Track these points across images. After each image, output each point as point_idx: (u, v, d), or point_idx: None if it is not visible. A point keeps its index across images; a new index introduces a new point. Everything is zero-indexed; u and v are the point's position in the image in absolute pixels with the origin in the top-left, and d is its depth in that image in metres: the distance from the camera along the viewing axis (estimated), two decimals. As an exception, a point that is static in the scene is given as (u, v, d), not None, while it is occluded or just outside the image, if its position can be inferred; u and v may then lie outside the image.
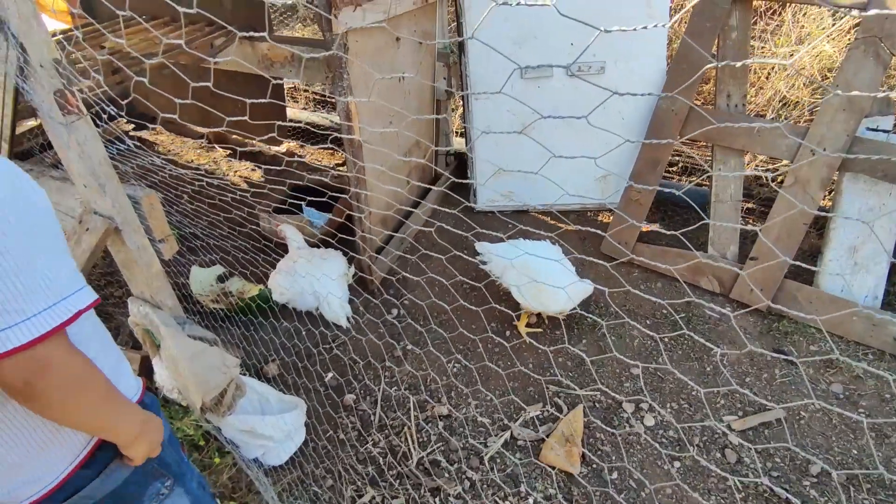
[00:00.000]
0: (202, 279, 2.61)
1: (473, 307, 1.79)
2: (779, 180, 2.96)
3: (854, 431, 2.00)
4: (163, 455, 1.00)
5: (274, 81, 2.82)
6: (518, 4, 0.65)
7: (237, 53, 2.95)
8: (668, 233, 1.03)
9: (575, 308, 2.24)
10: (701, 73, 2.69)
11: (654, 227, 3.05)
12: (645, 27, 0.70)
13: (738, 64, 0.76)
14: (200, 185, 2.62)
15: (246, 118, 1.62)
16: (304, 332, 2.40)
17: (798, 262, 0.90)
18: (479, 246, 2.53)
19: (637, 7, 2.74)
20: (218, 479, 1.82)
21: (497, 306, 1.84)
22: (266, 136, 3.77)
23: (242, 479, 1.83)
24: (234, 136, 3.93)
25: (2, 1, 1.26)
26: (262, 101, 1.39)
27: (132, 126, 4.23)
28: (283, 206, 3.09)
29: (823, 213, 1.07)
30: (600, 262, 1.38)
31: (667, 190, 1.42)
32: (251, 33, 1.21)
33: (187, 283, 2.59)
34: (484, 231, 1.65)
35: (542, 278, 2.14)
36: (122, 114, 1.64)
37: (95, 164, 1.42)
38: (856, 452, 1.95)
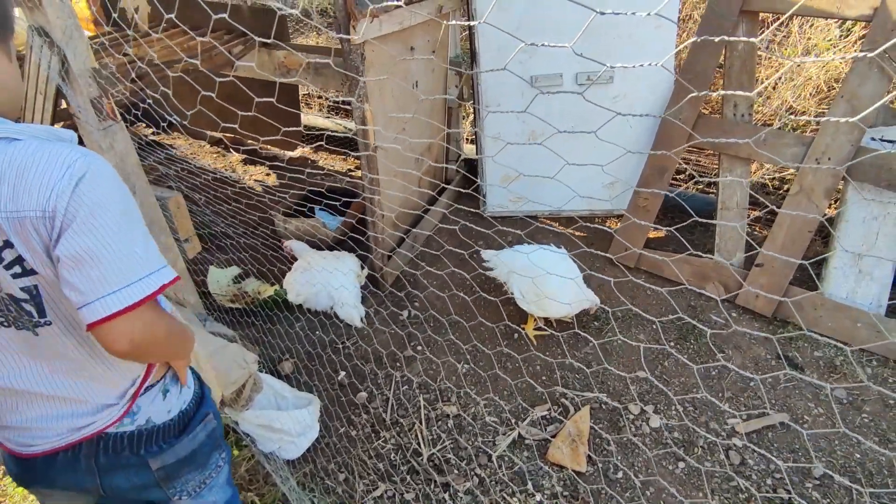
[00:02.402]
0: (219, 279, 2.69)
1: (482, 308, 1.85)
2: (784, 189, 3.00)
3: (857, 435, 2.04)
4: (218, 426, 1.11)
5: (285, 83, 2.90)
6: (543, 45, 0.72)
7: (255, 61, 3.05)
8: (668, 229, 1.08)
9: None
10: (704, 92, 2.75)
11: (661, 232, 3.10)
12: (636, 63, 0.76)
13: (700, 93, 0.81)
14: (218, 188, 2.70)
15: (261, 116, 1.69)
16: (318, 331, 2.47)
17: (804, 262, 0.96)
18: (485, 252, 2.60)
19: (646, 19, 2.80)
20: (236, 471, 1.88)
21: (505, 307, 1.90)
22: (280, 141, 3.86)
23: (259, 471, 1.90)
24: (250, 141, 4.02)
25: (46, 13, 1.34)
26: (278, 104, 1.46)
27: (151, 130, 4.34)
28: (298, 209, 3.17)
29: (831, 214, 1.12)
30: (607, 262, 1.44)
31: (673, 194, 1.47)
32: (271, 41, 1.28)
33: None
34: (492, 235, 1.71)
35: (545, 283, 2.20)
36: (185, 123, 1.74)
37: (129, 167, 1.50)
38: (859, 456, 1.98)
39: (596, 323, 2.57)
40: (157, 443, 0.98)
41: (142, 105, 1.69)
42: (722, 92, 0.99)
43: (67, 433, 0.91)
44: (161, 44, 2.79)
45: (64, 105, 1.77)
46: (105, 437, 0.94)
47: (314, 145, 4.15)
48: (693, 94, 1.08)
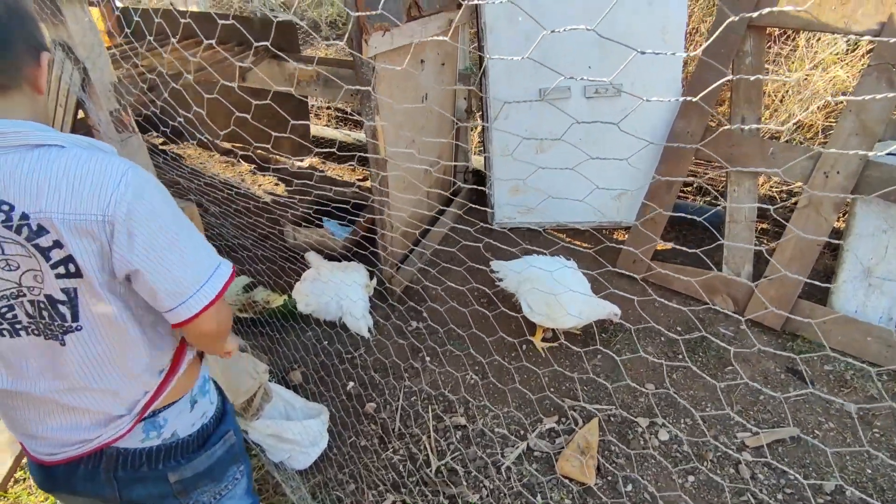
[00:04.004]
0: (229, 288, 2.71)
1: (491, 320, 1.86)
2: (793, 202, 3.00)
3: (868, 450, 2.03)
4: (237, 442, 1.12)
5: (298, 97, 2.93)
6: (564, 30, 0.73)
7: (265, 72, 3.09)
8: (682, 248, 1.09)
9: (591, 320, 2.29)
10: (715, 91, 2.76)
11: (669, 245, 3.11)
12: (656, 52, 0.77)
13: (694, 99, 0.83)
14: (230, 199, 2.73)
15: (270, 127, 1.71)
16: (327, 341, 2.48)
17: (815, 270, 0.96)
18: (494, 263, 2.61)
19: (653, 33, 2.83)
20: (245, 481, 1.88)
21: (514, 318, 1.91)
22: (290, 151, 3.89)
23: (269, 480, 1.90)
24: (259, 151, 4.06)
25: (70, 29, 1.37)
26: (288, 115, 1.49)
27: (161, 140, 4.39)
28: (307, 219, 3.19)
29: (835, 241, 1.13)
30: (614, 274, 1.45)
31: (679, 216, 1.48)
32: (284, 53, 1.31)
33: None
34: (501, 247, 1.72)
35: (554, 298, 2.20)
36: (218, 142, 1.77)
37: (146, 179, 1.53)
38: (870, 472, 1.97)
39: (604, 335, 2.57)
40: (175, 458, 0.99)
41: (168, 124, 1.72)
42: (743, 126, 1.01)
43: (80, 444, 0.93)
44: (172, 55, 2.84)
45: (80, 116, 1.81)
46: (125, 453, 0.95)
47: (324, 157, 4.19)
48: (718, 136, 1.09)
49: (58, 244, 0.77)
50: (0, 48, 0.75)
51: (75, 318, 0.83)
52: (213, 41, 1.53)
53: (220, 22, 1.43)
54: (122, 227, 0.77)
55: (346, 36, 2.06)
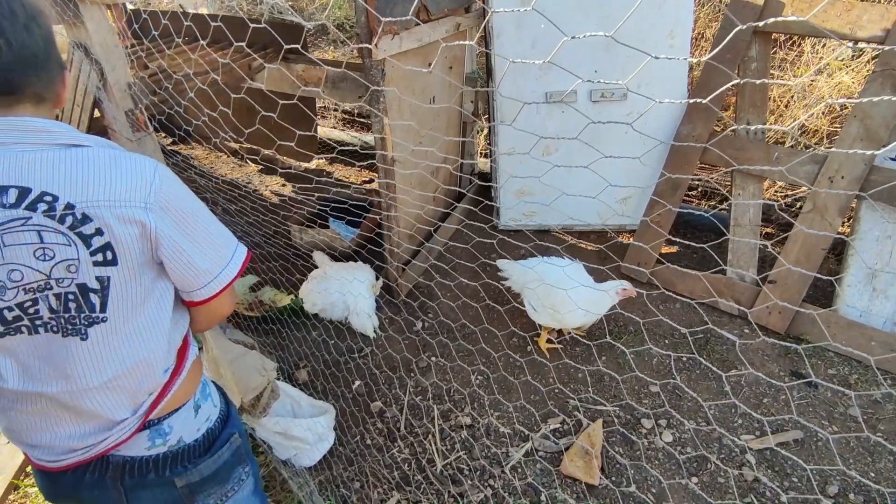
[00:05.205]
0: (236, 288, 2.74)
1: (496, 320, 1.88)
2: (797, 206, 3.02)
3: (872, 454, 2.03)
4: (243, 443, 1.12)
5: (302, 95, 2.95)
6: (584, 37, 0.76)
7: (274, 73, 3.12)
8: (689, 243, 1.11)
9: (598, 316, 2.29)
10: (721, 93, 2.78)
11: (674, 248, 3.12)
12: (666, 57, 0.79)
13: (711, 94, 0.84)
14: (241, 196, 2.76)
15: (279, 126, 1.73)
16: (333, 341, 2.50)
17: (818, 276, 0.98)
18: (501, 263, 2.63)
19: (661, 37, 2.85)
20: (252, 477, 1.90)
21: (518, 319, 1.92)
22: (297, 152, 3.92)
23: (276, 476, 1.92)
24: (267, 152, 4.09)
25: (88, 30, 1.40)
26: (296, 117, 1.51)
27: (169, 140, 4.43)
28: (316, 218, 3.22)
29: (841, 236, 1.14)
30: (620, 276, 1.46)
31: (686, 210, 1.50)
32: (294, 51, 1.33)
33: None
34: (506, 248, 1.74)
35: (558, 294, 2.22)
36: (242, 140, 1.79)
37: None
38: (873, 475, 1.97)
39: (609, 337, 2.59)
40: (182, 464, 0.99)
41: (188, 125, 1.75)
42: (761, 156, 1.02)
43: (85, 449, 0.93)
44: (182, 56, 2.87)
45: (96, 115, 1.84)
46: (131, 461, 0.96)
47: (331, 158, 4.22)
48: (723, 140, 1.11)
49: (99, 232, 0.80)
50: (44, 65, 0.85)
51: (104, 308, 0.84)
52: (225, 44, 1.56)
53: (252, 25, 1.46)
54: (163, 212, 0.84)
55: (356, 39, 2.09)
